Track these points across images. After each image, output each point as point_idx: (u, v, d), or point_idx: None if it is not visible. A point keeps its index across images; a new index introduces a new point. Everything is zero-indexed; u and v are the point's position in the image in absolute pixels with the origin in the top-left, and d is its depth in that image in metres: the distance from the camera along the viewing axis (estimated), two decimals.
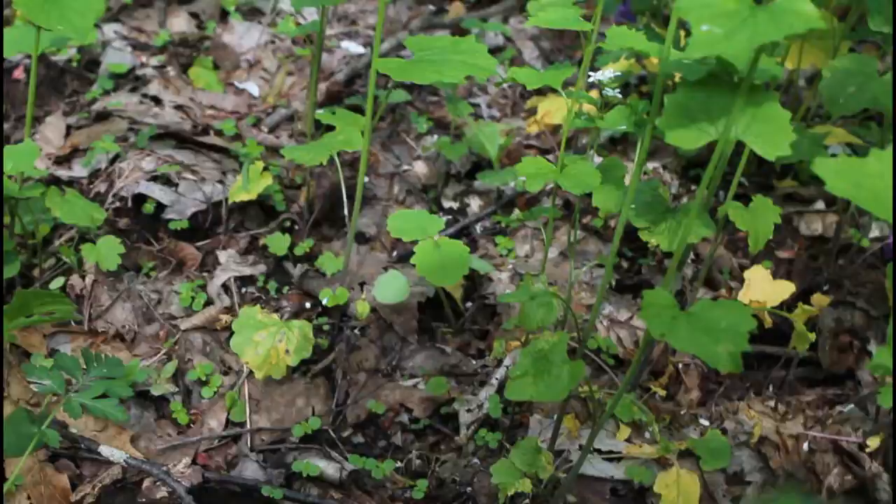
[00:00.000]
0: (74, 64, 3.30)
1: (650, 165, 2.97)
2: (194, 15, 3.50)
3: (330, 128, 2.63)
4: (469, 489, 2.32)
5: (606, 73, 2.24)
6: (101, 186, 2.87)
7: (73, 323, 2.60)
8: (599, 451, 2.34)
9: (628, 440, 2.39)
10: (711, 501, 2.33)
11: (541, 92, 3.31)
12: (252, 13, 3.54)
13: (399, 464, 2.38)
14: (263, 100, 3.30)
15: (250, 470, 2.32)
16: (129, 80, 3.29)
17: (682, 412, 2.53)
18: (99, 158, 2.95)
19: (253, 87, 3.34)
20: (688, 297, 2.64)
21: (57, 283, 2.62)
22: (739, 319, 1.78)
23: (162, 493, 2.24)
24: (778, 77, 2.18)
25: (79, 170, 2.94)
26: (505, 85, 3.43)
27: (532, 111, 3.35)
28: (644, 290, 1.85)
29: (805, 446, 2.44)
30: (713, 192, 2.45)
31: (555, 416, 2.35)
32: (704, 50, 1.63)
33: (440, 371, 2.55)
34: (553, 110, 3.25)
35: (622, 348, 2.63)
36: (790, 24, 1.61)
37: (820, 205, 2.95)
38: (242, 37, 3.46)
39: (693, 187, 2.92)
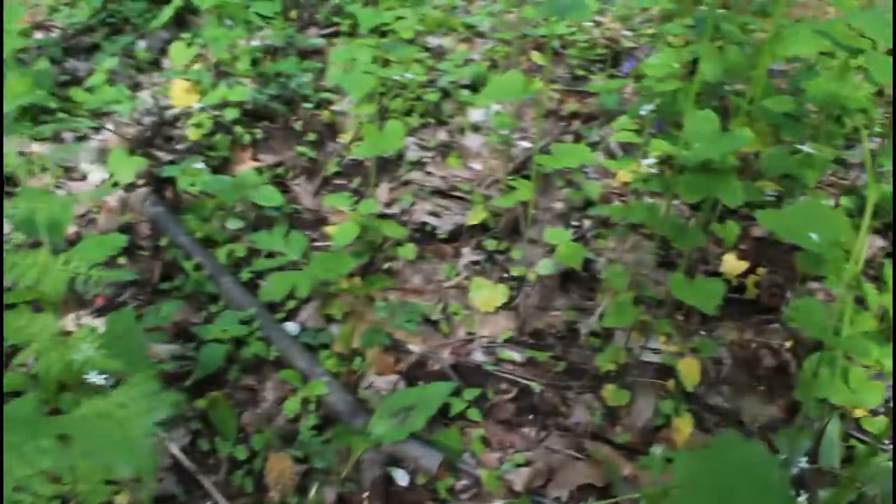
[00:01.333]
0: (393, 157, 3.80)
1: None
2: (448, 132, 4.00)
3: (514, 188, 3.21)
4: (585, 366, 2.88)
5: (649, 161, 3.03)
6: (405, 217, 3.45)
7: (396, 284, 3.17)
8: (650, 348, 2.88)
9: (665, 342, 2.93)
10: (705, 374, 2.85)
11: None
12: (475, 129, 4.00)
13: (549, 353, 2.94)
14: (483, 172, 3.75)
15: (478, 356, 2.94)
16: (418, 164, 3.79)
17: (690, 329, 3.01)
18: (405, 204, 3.50)
19: (477, 166, 3.82)
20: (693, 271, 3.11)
21: (388, 267, 3.17)
22: (716, 288, 2.53)
23: (437, 367, 2.89)
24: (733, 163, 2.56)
25: (395, 209, 3.50)
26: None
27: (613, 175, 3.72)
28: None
29: (752, 346, 2.97)
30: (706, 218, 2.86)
31: (628, 331, 2.91)
32: (699, 154, 2.40)
33: (570, 307, 3.08)
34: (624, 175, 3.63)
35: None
36: (739, 142, 2.37)
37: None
38: (472, 141, 3.92)
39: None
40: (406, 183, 3.70)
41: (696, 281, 2.49)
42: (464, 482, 2.53)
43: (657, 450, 2.14)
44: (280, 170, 3.81)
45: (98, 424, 1.03)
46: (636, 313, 2.58)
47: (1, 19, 2.28)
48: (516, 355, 2.96)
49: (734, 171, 2.44)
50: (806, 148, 2.74)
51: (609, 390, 2.75)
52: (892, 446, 2.16)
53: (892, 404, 2.15)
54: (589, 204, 3.58)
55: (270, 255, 3.07)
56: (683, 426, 2.70)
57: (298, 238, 2.74)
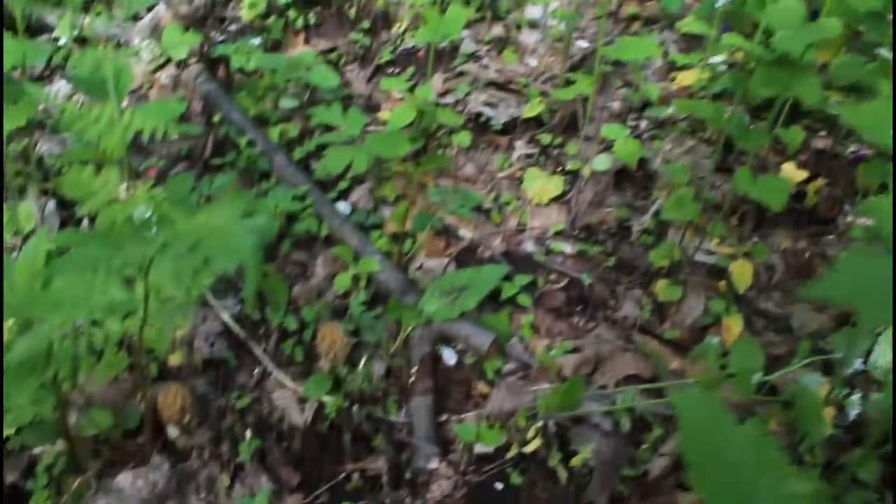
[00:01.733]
0: (448, 49, 3.69)
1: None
2: (505, 27, 3.86)
3: (572, 82, 3.17)
4: (636, 263, 2.86)
5: (717, 58, 2.93)
6: (459, 108, 3.40)
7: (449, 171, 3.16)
8: (704, 250, 2.82)
9: (718, 244, 2.88)
10: (757, 278, 2.81)
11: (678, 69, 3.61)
12: (532, 26, 3.85)
13: (600, 248, 2.91)
14: (539, 67, 3.62)
15: (529, 246, 2.92)
16: (472, 57, 3.69)
17: (744, 233, 2.96)
18: (459, 94, 3.43)
19: (533, 62, 3.69)
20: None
21: (442, 152, 3.14)
22: (783, 185, 2.48)
23: (487, 254, 2.88)
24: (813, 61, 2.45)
25: (450, 98, 3.44)
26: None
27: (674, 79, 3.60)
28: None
29: (806, 255, 2.92)
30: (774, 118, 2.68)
31: (682, 229, 2.88)
32: (781, 45, 2.29)
33: (623, 204, 3.03)
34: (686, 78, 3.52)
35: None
36: (825, 31, 2.28)
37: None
38: (528, 37, 3.79)
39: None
40: (460, 74, 3.63)
41: (761, 178, 2.43)
42: (510, 366, 2.53)
43: (713, 339, 2.11)
44: (332, 55, 3.75)
45: (196, 231, 1.00)
46: (696, 209, 2.52)
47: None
48: (567, 247, 2.94)
49: (812, 67, 2.29)
50: (883, 52, 2.63)
51: (661, 285, 2.72)
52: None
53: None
54: (646, 105, 3.48)
55: (328, 129, 3.03)
56: (733, 326, 2.68)
57: (357, 114, 2.70)
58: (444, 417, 2.36)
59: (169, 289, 1.57)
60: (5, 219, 2.47)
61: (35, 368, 1.63)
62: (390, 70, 3.72)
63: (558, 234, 3.00)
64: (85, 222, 2.82)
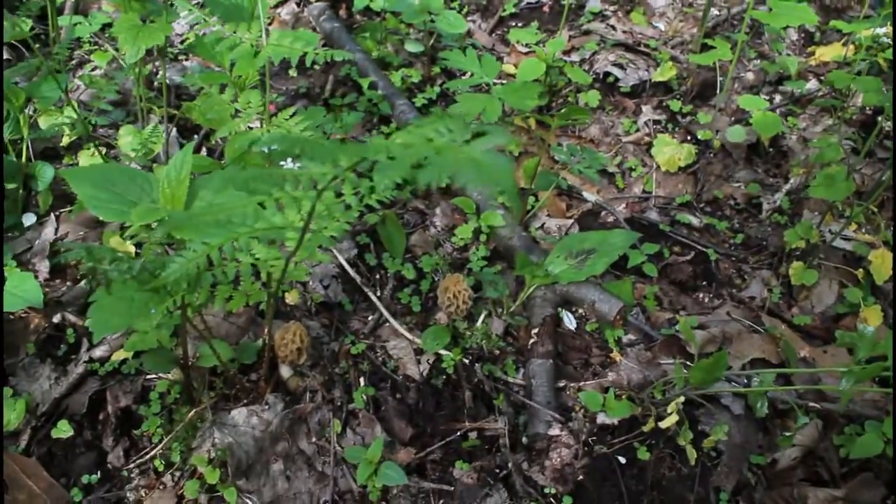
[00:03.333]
0: (574, 6, 3.57)
1: None
2: None
3: (709, 47, 2.92)
4: (764, 242, 2.71)
5: (882, 30, 2.71)
6: (585, 66, 3.25)
7: (572, 131, 3.01)
8: (842, 235, 2.63)
9: (856, 231, 2.71)
10: None
11: (816, 43, 3.46)
12: None
13: (727, 224, 2.76)
14: (667, 32, 3.49)
15: (653, 215, 2.78)
16: (599, 16, 3.56)
17: (885, 221, 2.74)
18: (585, 53, 3.29)
19: (661, 25, 3.54)
20: None
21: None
22: None
23: (610, 219, 2.75)
24: None
25: (575, 57, 3.30)
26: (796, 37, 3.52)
27: (811, 54, 3.42)
28: None
29: None
30: None
31: (820, 212, 2.71)
32: None
33: (754, 180, 2.86)
34: (826, 53, 3.33)
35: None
36: None
37: None
38: (657, 1, 3.64)
39: None
40: (587, 33, 3.48)
41: None
42: (631, 336, 2.39)
43: (867, 328, 1.93)
44: (454, 3, 3.60)
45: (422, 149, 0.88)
46: (848, 188, 2.32)
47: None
48: (693, 220, 2.78)
49: None
50: None
51: (796, 267, 2.54)
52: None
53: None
54: (782, 79, 3.29)
55: (450, 78, 2.90)
56: (872, 318, 2.50)
57: (491, 61, 2.56)
58: (562, 383, 2.23)
59: (324, 220, 1.46)
60: (133, 141, 2.40)
61: (174, 291, 1.55)
62: (513, 23, 3.57)
63: (684, 205, 2.85)
64: (203, 151, 2.74)
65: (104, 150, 2.53)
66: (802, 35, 3.52)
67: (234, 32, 2.02)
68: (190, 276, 1.27)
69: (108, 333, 1.34)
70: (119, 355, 2.15)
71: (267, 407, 2.04)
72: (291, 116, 1.98)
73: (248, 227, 1.30)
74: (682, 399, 1.91)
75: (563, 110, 2.44)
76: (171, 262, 1.26)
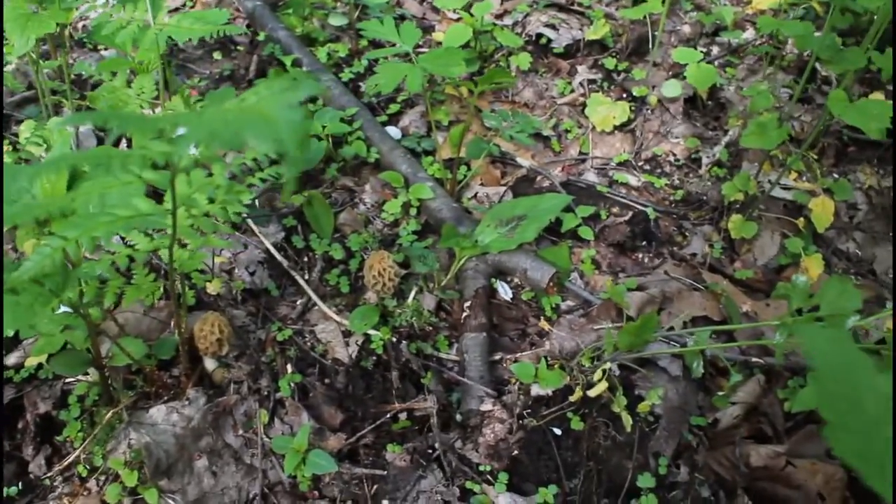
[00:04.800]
0: None
1: None
2: None
3: (641, 1, 2.85)
4: (705, 197, 2.63)
5: None
6: (518, 30, 3.14)
7: (505, 95, 2.94)
8: (780, 184, 2.58)
9: (796, 179, 2.65)
10: (838, 216, 2.56)
11: None
12: None
13: (666, 181, 2.68)
14: None
15: (589, 177, 2.70)
16: None
17: (825, 168, 2.72)
18: (518, 15, 3.19)
19: None
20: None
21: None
22: (883, 109, 2.13)
23: (546, 184, 2.64)
24: None
25: (508, 21, 3.18)
26: None
27: (748, 3, 3.30)
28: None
29: (892, 194, 2.64)
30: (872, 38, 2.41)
31: (758, 163, 2.64)
32: None
33: (693, 135, 2.79)
34: (762, 2, 3.18)
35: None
36: None
37: None
38: None
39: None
40: None
41: (858, 102, 2.13)
42: (570, 303, 2.31)
43: (800, 278, 1.86)
44: None
45: (236, 109, 0.79)
46: (780, 136, 2.24)
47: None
48: (632, 179, 2.70)
49: None
50: None
51: (735, 221, 2.47)
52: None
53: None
54: (719, 30, 3.21)
55: (377, 46, 2.80)
56: (813, 267, 2.43)
57: (411, 28, 2.45)
58: (497, 356, 2.16)
59: (202, 203, 1.37)
60: (32, 135, 2.29)
61: (56, 289, 1.45)
62: None
63: (622, 165, 2.77)
64: (123, 145, 2.63)
65: (13, 148, 2.41)
66: None
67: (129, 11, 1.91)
68: (50, 272, 1.17)
69: None
70: (33, 361, 2.05)
71: (188, 402, 1.96)
72: (197, 102, 1.87)
73: (108, 216, 1.20)
74: (609, 365, 1.84)
75: (487, 72, 2.34)
76: (26, 261, 1.16)
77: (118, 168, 1.00)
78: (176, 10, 3.32)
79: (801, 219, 2.55)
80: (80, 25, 3.17)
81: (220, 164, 1.27)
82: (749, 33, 3.11)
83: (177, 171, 1.07)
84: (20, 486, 1.92)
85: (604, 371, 1.83)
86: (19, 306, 1.47)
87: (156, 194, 1.43)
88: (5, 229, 1.47)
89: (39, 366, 2.06)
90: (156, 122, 0.83)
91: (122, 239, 1.63)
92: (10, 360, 2.08)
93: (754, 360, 2.16)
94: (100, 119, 0.84)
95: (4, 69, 2.69)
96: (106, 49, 3.00)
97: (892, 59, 2.21)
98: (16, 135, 2.59)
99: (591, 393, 1.87)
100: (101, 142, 2.63)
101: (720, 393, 1.95)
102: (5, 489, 1.91)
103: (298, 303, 2.26)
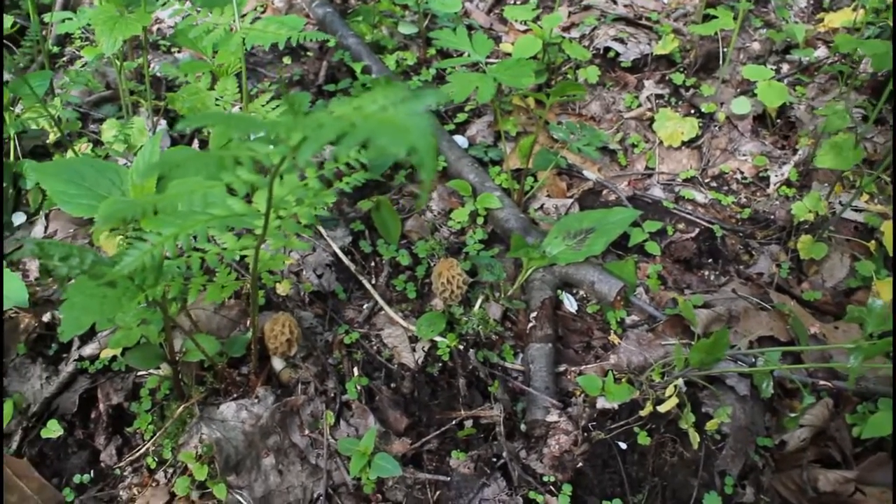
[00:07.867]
0: None
1: None
2: None
3: (710, 17, 2.82)
4: (772, 216, 2.61)
5: None
6: (585, 42, 3.15)
7: (573, 108, 2.92)
8: (852, 206, 2.54)
9: (867, 201, 2.61)
10: None
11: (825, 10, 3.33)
12: None
13: (733, 198, 2.66)
14: (669, 4, 3.37)
15: (655, 192, 2.69)
16: None
17: None
18: (585, 28, 3.19)
19: None
20: None
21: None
22: None
23: (612, 198, 2.65)
24: None
25: (575, 33, 3.19)
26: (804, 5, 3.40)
27: (820, 20, 3.29)
28: None
29: None
30: None
31: (829, 183, 2.60)
32: None
33: (761, 153, 2.75)
34: (835, 19, 3.21)
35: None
36: None
37: None
38: None
39: None
40: (587, 8, 3.37)
41: None
42: (634, 317, 2.30)
43: (876, 301, 1.83)
44: None
45: (365, 115, 0.81)
46: (857, 156, 2.21)
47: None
48: (698, 196, 2.66)
49: None
50: None
51: (805, 241, 2.43)
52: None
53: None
54: (790, 48, 3.16)
55: (444, 56, 2.81)
56: (885, 291, 2.37)
57: (483, 39, 2.46)
58: (562, 368, 2.15)
59: (291, 205, 1.39)
60: (117, 134, 2.35)
61: (144, 284, 1.49)
62: (511, 1, 3.46)
63: (689, 181, 2.74)
64: (196, 144, 2.68)
65: (93, 146, 2.47)
66: (812, 1, 3.39)
67: (209, 18, 1.95)
68: (147, 268, 1.20)
69: (77, 332, 1.28)
70: (108, 353, 2.10)
71: (257, 400, 1.98)
72: (269, 101, 1.91)
73: (205, 215, 1.23)
74: (680, 381, 1.82)
75: (558, 85, 2.34)
76: (125, 255, 1.19)
77: (230, 169, 1.02)
78: (243, 16, 3.37)
79: (873, 241, 2.49)
80: (154, 28, 3.24)
81: (312, 169, 1.29)
82: (821, 51, 3.07)
83: (277, 173, 1.09)
84: (92, 475, 1.95)
85: (675, 387, 1.82)
86: (107, 299, 1.50)
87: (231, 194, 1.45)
88: (98, 226, 1.50)
89: (113, 358, 2.10)
90: (274, 126, 0.85)
91: (209, 239, 1.66)
92: (86, 350, 2.12)
93: (822, 383, 2.13)
94: (219, 122, 0.86)
95: (85, 69, 2.76)
96: (180, 51, 3.06)
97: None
98: (94, 132, 2.66)
99: (661, 408, 1.86)
100: (174, 142, 2.68)
101: (791, 414, 1.92)
102: (77, 476, 1.95)
103: (365, 307, 2.27)
